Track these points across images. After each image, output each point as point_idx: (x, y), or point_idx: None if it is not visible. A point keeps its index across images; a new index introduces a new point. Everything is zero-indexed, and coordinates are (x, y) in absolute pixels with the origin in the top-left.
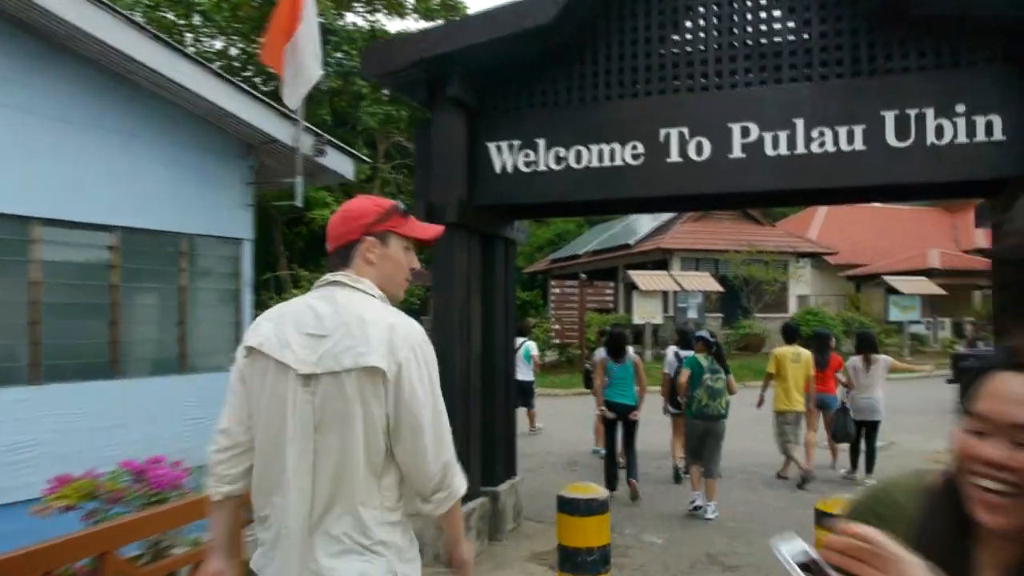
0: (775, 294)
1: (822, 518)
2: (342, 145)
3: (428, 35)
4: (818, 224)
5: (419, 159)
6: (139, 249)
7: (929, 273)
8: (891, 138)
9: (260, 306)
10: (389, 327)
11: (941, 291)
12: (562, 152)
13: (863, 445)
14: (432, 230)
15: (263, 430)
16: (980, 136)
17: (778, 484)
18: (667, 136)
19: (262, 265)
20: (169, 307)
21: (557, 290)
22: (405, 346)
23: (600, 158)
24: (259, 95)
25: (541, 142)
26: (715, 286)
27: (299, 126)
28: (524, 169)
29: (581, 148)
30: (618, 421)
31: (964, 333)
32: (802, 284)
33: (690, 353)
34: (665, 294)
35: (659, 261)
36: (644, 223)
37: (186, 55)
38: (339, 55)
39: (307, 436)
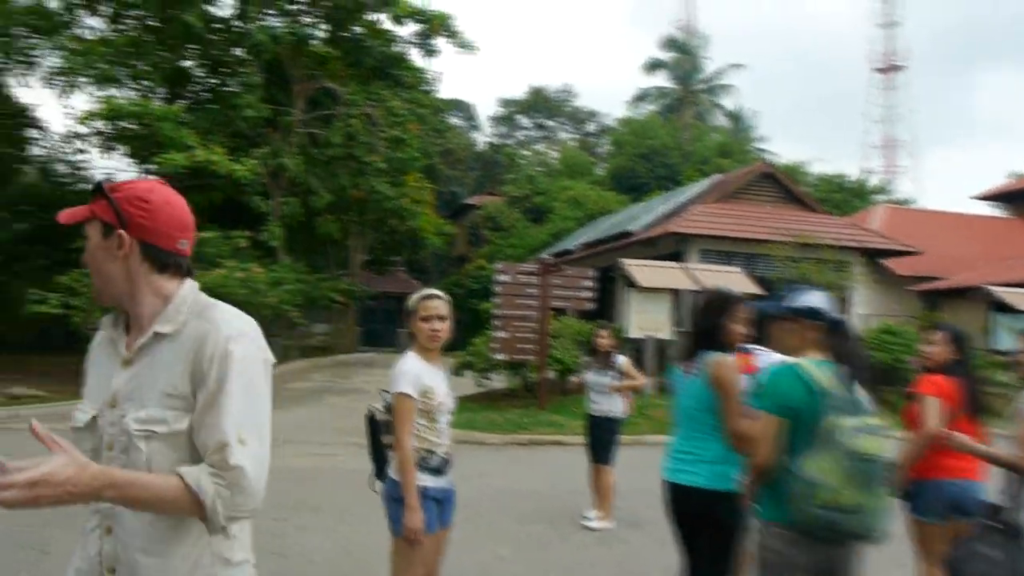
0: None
1: None
2: None
3: None
4: (875, 225)
5: None
6: None
7: None
8: None
9: None
10: None
11: None
12: None
13: None
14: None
15: None
16: None
17: None
18: None
19: None
20: None
21: (506, 277)
22: None
23: None
24: None
25: None
26: (750, 287)
27: None
28: None
29: None
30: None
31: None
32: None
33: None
34: (676, 295)
35: (672, 254)
36: (654, 206)
37: None
38: None
39: None
